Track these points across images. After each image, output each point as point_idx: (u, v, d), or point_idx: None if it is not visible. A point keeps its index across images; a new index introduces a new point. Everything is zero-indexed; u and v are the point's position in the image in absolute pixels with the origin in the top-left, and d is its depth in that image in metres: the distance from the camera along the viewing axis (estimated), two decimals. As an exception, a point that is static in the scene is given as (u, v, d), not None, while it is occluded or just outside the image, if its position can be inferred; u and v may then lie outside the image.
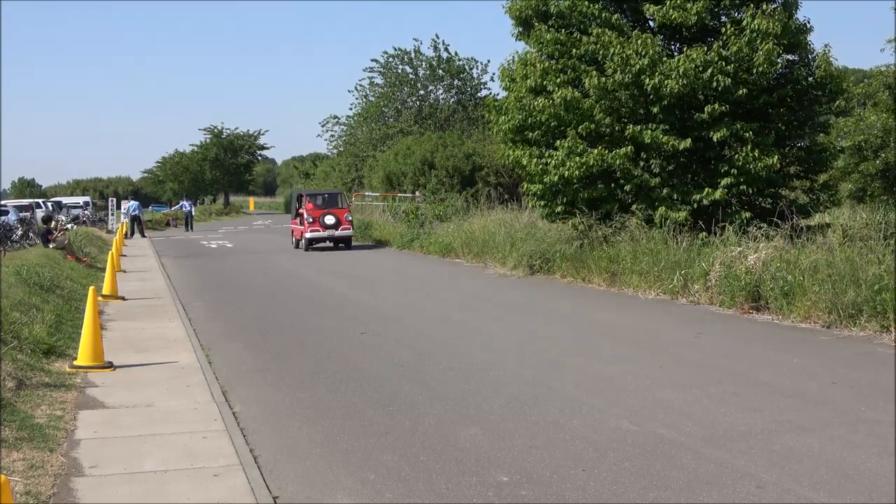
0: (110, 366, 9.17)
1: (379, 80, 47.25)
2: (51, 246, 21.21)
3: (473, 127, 42.03)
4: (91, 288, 9.67)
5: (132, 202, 40.52)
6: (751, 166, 15.22)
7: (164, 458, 6.13)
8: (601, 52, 15.94)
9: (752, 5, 15.91)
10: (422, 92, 46.62)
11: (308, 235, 26.19)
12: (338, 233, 26.29)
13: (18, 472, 5.64)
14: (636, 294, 14.41)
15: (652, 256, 14.50)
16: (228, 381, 8.72)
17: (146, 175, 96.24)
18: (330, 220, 26.19)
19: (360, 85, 48.54)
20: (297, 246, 27.96)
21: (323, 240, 26.51)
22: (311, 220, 26.17)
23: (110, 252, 18.75)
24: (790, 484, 5.40)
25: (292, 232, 29.01)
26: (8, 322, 9.62)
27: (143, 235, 37.64)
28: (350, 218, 27.12)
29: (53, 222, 23.40)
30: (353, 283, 17.62)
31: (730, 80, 15.05)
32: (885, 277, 10.41)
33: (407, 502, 5.32)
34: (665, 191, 15.84)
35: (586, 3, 16.59)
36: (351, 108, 59.21)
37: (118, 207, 44.44)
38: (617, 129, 16.13)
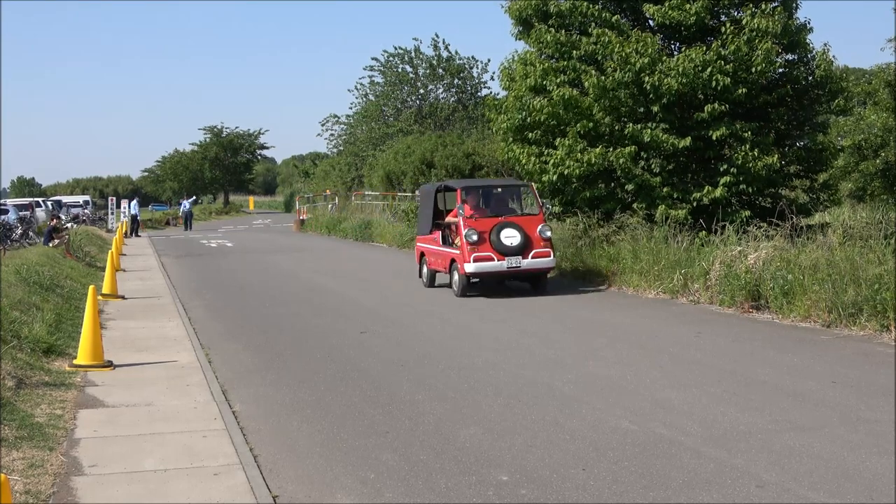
0: (110, 365, 9.17)
1: (379, 79, 47.24)
2: (51, 245, 21.26)
3: (473, 126, 41.96)
4: (91, 287, 9.67)
5: (133, 201, 40.76)
6: (750, 165, 15.23)
7: (163, 457, 6.13)
8: (601, 52, 15.94)
9: (751, 5, 15.91)
10: (422, 91, 46.59)
11: (470, 268, 14.17)
12: (526, 262, 14.28)
13: (18, 470, 5.64)
14: (636, 293, 14.41)
15: (652, 256, 14.49)
16: (228, 380, 8.72)
17: (146, 174, 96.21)
18: (511, 237, 14.29)
19: (360, 84, 48.49)
20: (431, 283, 15.85)
21: (498, 275, 14.58)
22: (474, 237, 14.17)
23: (110, 251, 18.77)
24: (790, 483, 5.40)
25: (421, 256, 16.34)
26: (8, 321, 9.62)
27: (138, 235, 37.74)
28: (549, 234, 14.71)
29: (58, 221, 23.66)
30: (351, 284, 17.63)
31: (729, 79, 15.06)
32: (885, 277, 10.40)
33: (407, 502, 5.32)
34: (665, 189, 15.84)
35: (586, 3, 16.59)
36: (351, 108, 59.38)
37: (118, 206, 44.50)
38: (617, 128, 16.13)
